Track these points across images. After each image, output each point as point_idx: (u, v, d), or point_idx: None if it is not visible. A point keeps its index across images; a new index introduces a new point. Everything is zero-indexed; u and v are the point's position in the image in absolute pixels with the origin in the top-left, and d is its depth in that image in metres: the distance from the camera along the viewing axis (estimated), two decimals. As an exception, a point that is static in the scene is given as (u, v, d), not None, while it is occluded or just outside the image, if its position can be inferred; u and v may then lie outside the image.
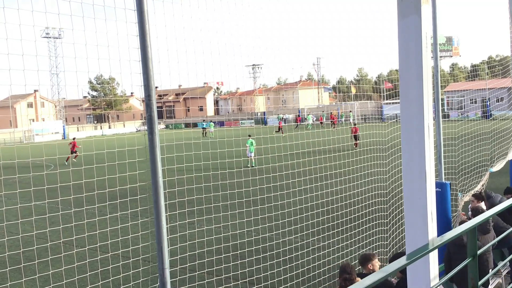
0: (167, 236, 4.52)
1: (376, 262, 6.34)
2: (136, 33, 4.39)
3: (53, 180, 10.08)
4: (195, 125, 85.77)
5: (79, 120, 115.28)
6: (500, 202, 9.73)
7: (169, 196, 6.87)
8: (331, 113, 67.25)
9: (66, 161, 31.71)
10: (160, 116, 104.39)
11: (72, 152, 33.88)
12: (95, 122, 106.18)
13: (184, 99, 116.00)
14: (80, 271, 8.13)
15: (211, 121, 69.65)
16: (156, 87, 5.22)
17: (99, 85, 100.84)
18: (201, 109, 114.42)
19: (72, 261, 7.86)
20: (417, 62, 3.58)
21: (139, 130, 75.76)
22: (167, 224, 4.48)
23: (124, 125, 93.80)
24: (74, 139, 39.34)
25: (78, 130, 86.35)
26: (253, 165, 24.86)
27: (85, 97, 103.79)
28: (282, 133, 38.08)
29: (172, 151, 9.15)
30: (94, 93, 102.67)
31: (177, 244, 8.24)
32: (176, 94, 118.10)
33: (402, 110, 3.71)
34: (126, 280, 7.52)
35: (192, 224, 11.07)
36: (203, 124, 60.47)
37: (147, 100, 4.47)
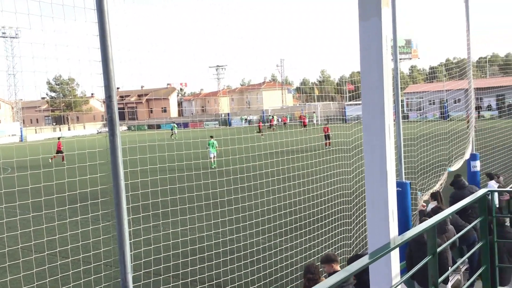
0: (130, 240, 4.44)
1: (337, 266, 6.38)
2: (96, 33, 4.30)
3: (10, 184, 9.75)
4: (158, 126, 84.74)
5: (37, 122, 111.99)
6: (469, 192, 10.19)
7: (133, 199, 6.75)
8: (301, 114, 65.42)
9: (51, 159, 31.32)
10: (122, 117, 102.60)
11: (57, 152, 33.12)
12: (54, 124, 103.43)
13: (147, 100, 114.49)
14: (39, 277, 7.89)
15: (173, 122, 68.96)
16: (118, 88, 5.12)
17: (58, 86, 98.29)
18: (164, 111, 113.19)
19: (31, 267, 7.62)
20: (378, 64, 3.65)
21: (100, 132, 74.29)
22: (130, 228, 4.39)
23: (84, 126, 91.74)
24: (59, 139, 38.35)
25: (36, 132, 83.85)
26: (213, 166, 24.89)
27: (43, 98, 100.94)
28: (262, 134, 38.03)
29: (135, 153, 9.02)
30: (53, 94, 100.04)
31: (141, 248, 8.11)
32: (139, 95, 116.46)
33: (363, 111, 3.77)
34: (88, 285, 7.35)
35: (156, 227, 10.93)
36: (172, 126, 59.69)
37: (108, 101, 4.37)
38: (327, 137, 30.37)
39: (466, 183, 10.82)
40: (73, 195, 7.74)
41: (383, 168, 3.69)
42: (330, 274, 6.24)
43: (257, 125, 56.30)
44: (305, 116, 60.40)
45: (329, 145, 28.05)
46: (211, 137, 28.02)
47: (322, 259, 6.12)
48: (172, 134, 50.64)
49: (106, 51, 4.32)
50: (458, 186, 10.42)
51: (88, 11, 4.55)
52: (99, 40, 4.31)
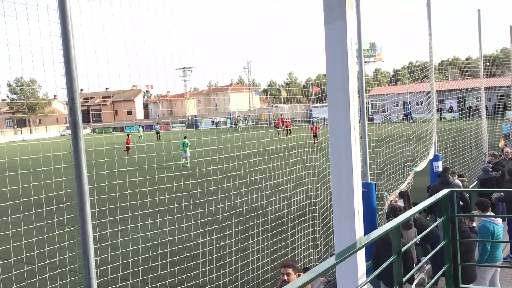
0: (96, 245, 4.35)
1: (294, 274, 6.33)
2: (59, 34, 4.20)
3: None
4: (122, 129, 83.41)
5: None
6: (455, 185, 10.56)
7: (98, 204, 6.62)
8: (281, 116, 55.61)
9: (125, 152, 31.52)
10: (87, 120, 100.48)
11: (127, 148, 32.81)
12: (15, 126, 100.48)
13: (112, 102, 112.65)
14: (6, 284, 7.66)
15: (139, 125, 67.92)
16: (81, 90, 5.00)
17: (18, 88, 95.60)
18: (129, 113, 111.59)
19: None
20: (343, 66, 3.69)
21: (63, 135, 72.59)
22: (96, 233, 4.30)
23: (46, 129, 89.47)
24: (128, 135, 37.51)
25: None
26: (187, 165, 24.93)
27: (3, 100, 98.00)
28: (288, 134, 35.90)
29: (101, 156, 8.84)
30: (14, 96, 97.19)
31: (107, 253, 7.94)
32: (104, 97, 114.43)
33: (329, 113, 3.81)
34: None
35: (123, 232, 10.75)
36: (157, 127, 58.48)
37: (71, 103, 4.28)
38: (315, 136, 30.70)
39: (452, 179, 11.07)
40: (39, 199, 7.55)
41: (349, 169, 3.73)
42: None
43: (277, 126, 46.78)
44: (286, 120, 52.80)
45: (317, 142, 28.48)
46: (185, 137, 28.44)
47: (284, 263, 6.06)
48: (140, 137, 49.92)
49: (68, 52, 4.23)
50: (441, 181, 10.67)
51: (51, 11, 4.43)
52: (61, 40, 4.21)
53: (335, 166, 3.80)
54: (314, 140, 30.33)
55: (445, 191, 5.39)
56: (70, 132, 4.34)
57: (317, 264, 8.35)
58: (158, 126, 59.47)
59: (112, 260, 7.57)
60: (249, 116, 68.69)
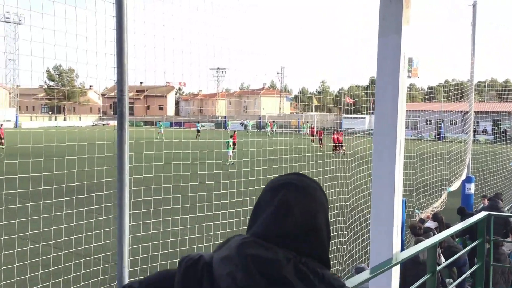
0: (129, 234, 4.42)
1: None
2: (111, 26, 4.31)
3: (12, 171, 9.69)
4: (153, 123, 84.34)
5: (33, 110, 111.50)
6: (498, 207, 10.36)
7: (134, 195, 6.74)
8: (311, 126, 49.60)
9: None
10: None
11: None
12: (50, 112, 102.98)
13: (145, 96, 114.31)
14: (33, 267, 7.84)
15: (160, 122, 67.60)
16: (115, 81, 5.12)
17: (57, 75, 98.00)
18: (161, 108, 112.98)
19: (25, 258, 7.56)
20: (393, 80, 3.68)
21: (95, 125, 73.94)
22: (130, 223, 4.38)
23: (80, 118, 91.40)
24: (1, 125, 38.45)
25: (31, 120, 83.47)
26: (230, 163, 25.33)
27: (41, 86, 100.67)
28: (320, 146, 32.96)
29: (141, 149, 8.99)
30: (51, 83, 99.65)
31: (138, 244, 8.06)
32: (137, 91, 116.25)
33: (376, 125, 3.80)
34: (86, 278, 7.31)
35: (154, 225, 10.89)
36: (198, 126, 58.00)
37: (119, 95, 4.38)
38: (337, 146, 30.75)
39: (501, 205, 10.90)
40: (71, 186, 7.71)
41: (391, 184, 3.71)
42: None
43: (312, 134, 43.03)
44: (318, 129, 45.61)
45: (339, 152, 28.85)
46: (231, 136, 29.39)
47: None
48: (159, 133, 49.23)
49: (122, 45, 4.32)
50: (490, 205, 10.50)
51: (108, 4, 4.55)
52: (115, 34, 4.32)
53: (377, 179, 3.78)
54: (338, 149, 30.32)
55: (482, 213, 5.30)
56: (102, 122, 4.43)
57: (340, 276, 8.29)
58: (199, 125, 59.03)
59: (142, 251, 7.68)
60: (274, 121, 68.37)
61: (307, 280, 1.31)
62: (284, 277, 1.29)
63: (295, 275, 1.31)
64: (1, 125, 41.02)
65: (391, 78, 3.66)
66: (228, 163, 25.61)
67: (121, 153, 4.39)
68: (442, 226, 9.55)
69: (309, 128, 50.60)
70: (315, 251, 1.39)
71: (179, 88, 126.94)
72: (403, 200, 9.42)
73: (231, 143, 28.42)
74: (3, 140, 34.39)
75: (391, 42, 3.63)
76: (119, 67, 4.38)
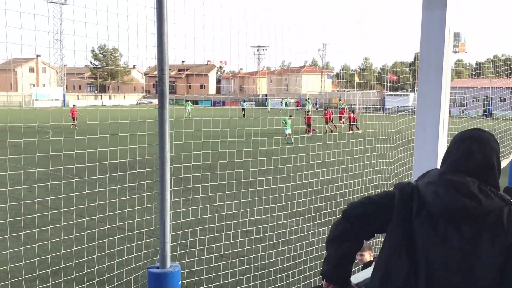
0: (171, 210, 4.52)
1: (367, 253, 6.34)
2: (151, 5, 4.32)
3: (54, 148, 10.05)
4: (195, 102, 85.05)
5: (80, 89, 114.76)
6: None
7: (175, 172, 6.88)
8: (352, 110, 38.58)
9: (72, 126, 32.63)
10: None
11: (73, 119, 34.57)
12: (96, 91, 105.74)
13: (187, 75, 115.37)
14: (80, 240, 8.16)
15: (187, 101, 66.10)
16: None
17: (102, 55, 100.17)
18: (202, 87, 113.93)
19: (71, 231, 7.86)
20: (438, 56, 3.55)
21: (139, 103, 75.43)
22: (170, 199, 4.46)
23: (124, 97, 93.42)
24: (74, 106, 39.40)
25: (78, 99, 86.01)
26: (291, 142, 25.65)
27: (87, 65, 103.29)
28: (358, 128, 31.32)
29: (181, 127, 9.12)
30: (97, 63, 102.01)
31: (177, 219, 8.27)
32: (179, 70, 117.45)
33: (418, 102, 3.69)
34: (129, 251, 7.57)
35: (193, 202, 11.12)
36: (244, 104, 55.49)
37: (160, 74, 4.42)
38: (353, 125, 31.42)
39: None
40: (114, 163, 7.91)
41: (433, 163, 3.62)
42: (362, 263, 6.22)
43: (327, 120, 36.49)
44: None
45: (353, 131, 29.34)
46: (290, 116, 30.07)
47: None
48: (188, 112, 48.03)
49: (161, 24, 4.34)
50: None
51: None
52: (155, 12, 4.34)
53: (419, 158, 3.69)
54: (352, 128, 30.75)
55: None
56: (146, 101, 4.48)
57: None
58: (245, 103, 57.97)
59: (182, 227, 7.88)
60: (308, 99, 67.03)
61: (487, 194, 2.03)
62: (471, 192, 2.01)
63: (478, 191, 2.02)
64: (74, 105, 41.35)
65: (436, 54, 3.54)
66: (286, 142, 25.87)
67: (162, 131, 4.46)
68: None
69: (340, 108, 43.36)
70: (490, 179, 2.09)
71: (220, 67, 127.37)
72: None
73: (288, 122, 28.84)
74: (75, 121, 34.10)
75: (436, 16, 3.50)
76: (160, 46, 4.41)
